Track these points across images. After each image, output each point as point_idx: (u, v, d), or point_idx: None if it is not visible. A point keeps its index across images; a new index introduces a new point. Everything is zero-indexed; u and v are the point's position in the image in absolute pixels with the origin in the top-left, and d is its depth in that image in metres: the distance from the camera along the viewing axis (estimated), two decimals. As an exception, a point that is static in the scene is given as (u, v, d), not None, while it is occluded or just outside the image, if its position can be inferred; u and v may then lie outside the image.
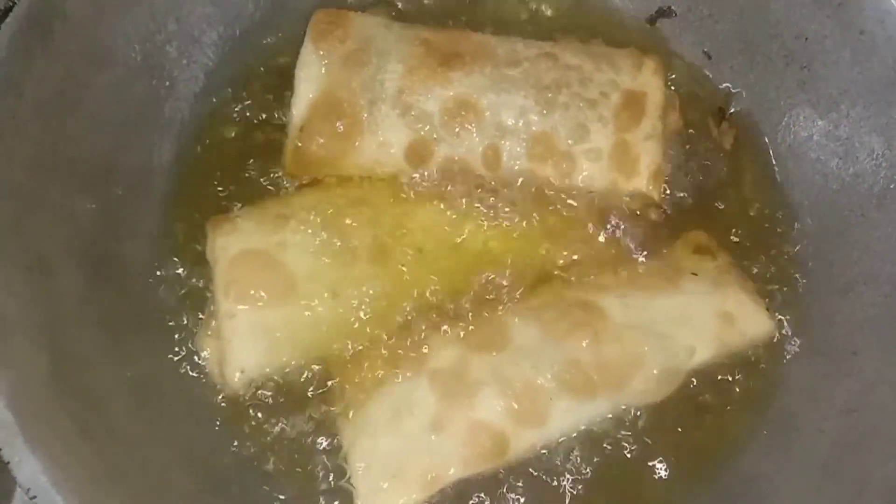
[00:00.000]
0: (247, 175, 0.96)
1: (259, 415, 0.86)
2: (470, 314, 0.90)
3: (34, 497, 0.62)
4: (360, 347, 0.88)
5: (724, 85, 1.06)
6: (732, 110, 1.05)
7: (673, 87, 1.03)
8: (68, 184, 0.84)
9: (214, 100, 0.99)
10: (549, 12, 1.09)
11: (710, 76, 1.07)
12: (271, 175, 0.96)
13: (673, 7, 1.07)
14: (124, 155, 0.90)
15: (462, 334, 0.88)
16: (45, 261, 0.79)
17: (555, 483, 0.85)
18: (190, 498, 0.79)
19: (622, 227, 0.96)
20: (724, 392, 0.91)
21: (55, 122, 0.82)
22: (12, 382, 0.67)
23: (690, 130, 1.03)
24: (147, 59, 0.92)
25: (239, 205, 0.94)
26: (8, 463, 0.63)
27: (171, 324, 0.89)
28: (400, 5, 1.07)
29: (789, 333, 0.94)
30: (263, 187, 0.96)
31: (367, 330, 0.89)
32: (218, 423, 0.85)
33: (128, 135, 0.91)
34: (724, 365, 0.91)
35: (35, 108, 0.80)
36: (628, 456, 0.87)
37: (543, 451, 0.86)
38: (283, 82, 0.98)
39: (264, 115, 0.99)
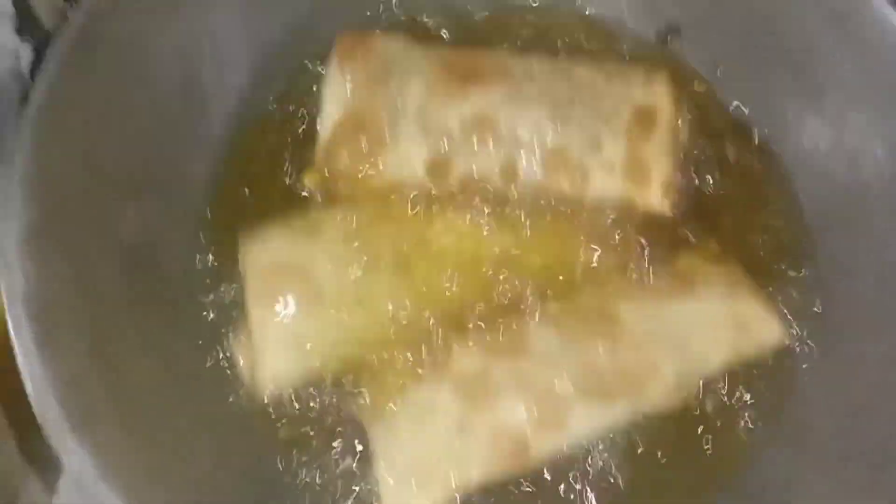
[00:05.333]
0: (277, 191, 1.00)
1: (289, 420, 0.89)
2: (491, 322, 0.93)
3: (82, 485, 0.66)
4: (386, 355, 0.91)
5: (734, 100, 1.09)
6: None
7: (683, 103, 1.06)
8: (109, 193, 0.88)
9: (246, 119, 1.03)
10: (560, 32, 1.12)
11: (720, 91, 1.10)
12: (300, 191, 1.00)
13: (681, 26, 1.11)
14: (162, 169, 0.94)
15: (483, 342, 0.91)
16: (91, 270, 0.83)
17: (573, 488, 0.88)
18: (227, 496, 0.83)
19: (636, 236, 1.00)
20: (738, 400, 0.93)
21: (98, 135, 0.87)
22: (61, 380, 0.72)
23: (700, 144, 1.05)
24: (184, 80, 0.97)
25: (270, 219, 0.97)
26: (59, 453, 0.67)
27: (206, 331, 0.93)
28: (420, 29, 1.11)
29: (801, 342, 0.96)
30: (293, 203, 0.99)
31: (393, 338, 0.92)
32: (252, 427, 0.89)
33: (165, 150, 0.95)
34: (738, 373, 0.94)
35: (79, 124, 0.84)
36: (646, 462, 0.90)
37: (563, 456, 0.88)
38: (310, 102, 1.03)
39: (293, 134, 1.03)
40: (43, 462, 0.95)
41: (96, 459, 0.69)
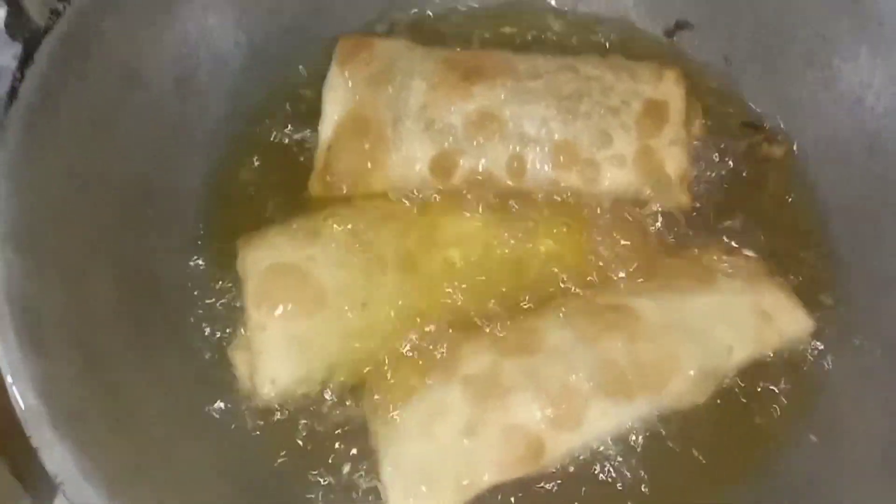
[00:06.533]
0: (276, 195, 0.98)
1: (290, 424, 0.85)
2: (501, 320, 0.89)
3: (61, 483, 0.62)
4: (392, 357, 0.87)
5: (746, 91, 1.06)
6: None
7: (695, 97, 1.03)
8: (102, 200, 0.86)
9: (243, 123, 1.01)
10: (566, 29, 1.11)
11: (732, 83, 1.07)
12: (300, 194, 0.97)
13: (690, 20, 1.09)
14: (156, 173, 0.92)
15: (493, 340, 0.87)
16: (80, 270, 0.80)
17: (591, 487, 0.83)
18: (219, 500, 0.78)
19: (651, 229, 0.96)
20: (766, 395, 0.88)
21: (90, 139, 0.85)
22: (44, 374, 0.68)
23: (715, 137, 1.02)
24: (179, 83, 0.95)
25: (269, 223, 0.94)
26: (37, 448, 0.63)
27: (203, 336, 0.89)
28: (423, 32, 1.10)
29: (830, 334, 0.91)
30: (293, 206, 0.96)
31: (398, 339, 0.88)
32: (249, 431, 0.84)
33: (160, 155, 0.93)
34: (766, 366, 0.89)
35: (72, 124, 0.83)
36: (668, 459, 0.84)
37: (580, 455, 0.83)
38: (309, 105, 1.01)
39: (292, 137, 1.01)
40: (36, 484, 0.91)
41: (77, 456, 0.65)
